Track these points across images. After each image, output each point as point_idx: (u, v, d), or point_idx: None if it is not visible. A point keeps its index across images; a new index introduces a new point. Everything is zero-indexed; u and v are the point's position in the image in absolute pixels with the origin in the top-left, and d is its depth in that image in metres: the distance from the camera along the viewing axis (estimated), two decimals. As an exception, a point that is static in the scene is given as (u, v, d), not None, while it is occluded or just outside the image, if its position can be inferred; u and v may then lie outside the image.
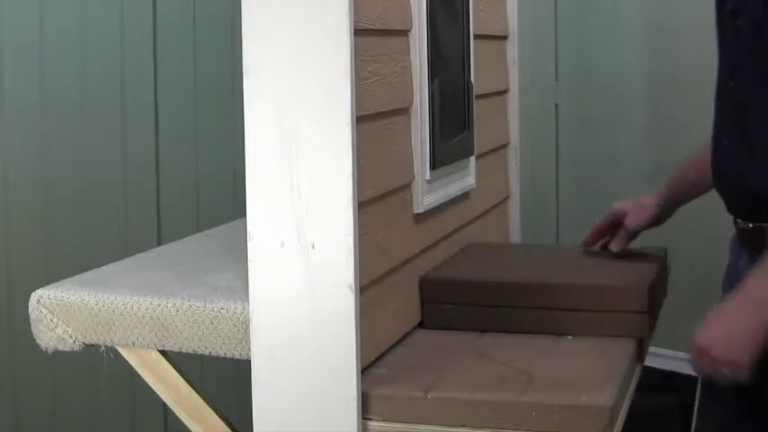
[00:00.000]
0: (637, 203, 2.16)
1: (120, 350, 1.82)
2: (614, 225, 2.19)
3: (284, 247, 1.61)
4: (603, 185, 3.59)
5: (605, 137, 3.60)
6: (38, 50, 2.96)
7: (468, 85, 2.22)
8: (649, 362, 2.32)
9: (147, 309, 1.78)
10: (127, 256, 2.17)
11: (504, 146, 2.66)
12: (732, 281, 1.95)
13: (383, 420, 1.66)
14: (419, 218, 1.99)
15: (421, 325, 2.00)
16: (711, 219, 3.28)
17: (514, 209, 2.71)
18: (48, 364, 2.81)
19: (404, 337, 1.92)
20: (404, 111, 1.93)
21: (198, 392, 1.82)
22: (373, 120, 1.77)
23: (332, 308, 1.61)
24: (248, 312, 1.66)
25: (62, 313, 1.82)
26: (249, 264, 1.64)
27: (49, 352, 1.85)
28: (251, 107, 1.62)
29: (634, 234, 2.17)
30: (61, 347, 1.84)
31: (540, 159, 3.59)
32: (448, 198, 2.13)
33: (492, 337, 1.93)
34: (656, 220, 2.18)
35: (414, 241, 1.98)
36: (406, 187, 1.94)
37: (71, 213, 3.04)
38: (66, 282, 1.89)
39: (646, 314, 1.94)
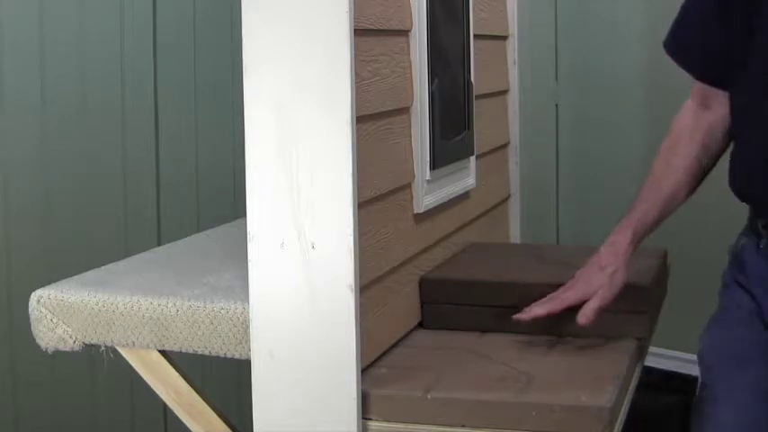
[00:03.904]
0: (610, 280, 1.85)
1: (120, 350, 1.82)
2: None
3: (284, 247, 1.61)
4: (603, 185, 3.59)
5: (605, 137, 3.60)
6: (38, 50, 2.96)
7: (468, 85, 2.22)
8: (649, 362, 2.33)
9: (147, 309, 1.78)
10: (127, 256, 2.17)
11: (504, 146, 2.66)
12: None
13: (383, 420, 1.66)
14: (419, 218, 1.99)
15: (421, 325, 2.00)
16: (711, 218, 3.29)
17: (514, 209, 2.71)
18: (48, 364, 2.80)
19: (404, 337, 1.92)
20: (404, 111, 1.93)
21: (198, 392, 1.82)
22: (373, 120, 1.77)
23: (332, 308, 1.61)
24: (248, 312, 1.66)
25: (62, 313, 1.82)
26: (249, 264, 1.64)
27: (49, 352, 1.85)
28: (251, 107, 1.62)
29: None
30: (61, 347, 1.84)
31: (540, 159, 3.59)
32: (448, 198, 2.13)
33: (492, 337, 1.93)
34: None
35: (414, 241, 1.98)
36: (406, 187, 1.94)
37: (71, 213, 3.04)
38: (66, 282, 1.89)
39: (646, 314, 1.94)
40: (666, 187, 1.90)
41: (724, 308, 1.87)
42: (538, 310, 1.86)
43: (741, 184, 1.81)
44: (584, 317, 1.82)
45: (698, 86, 1.91)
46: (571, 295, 1.85)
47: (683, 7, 1.92)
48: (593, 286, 1.84)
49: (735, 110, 1.83)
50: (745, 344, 1.80)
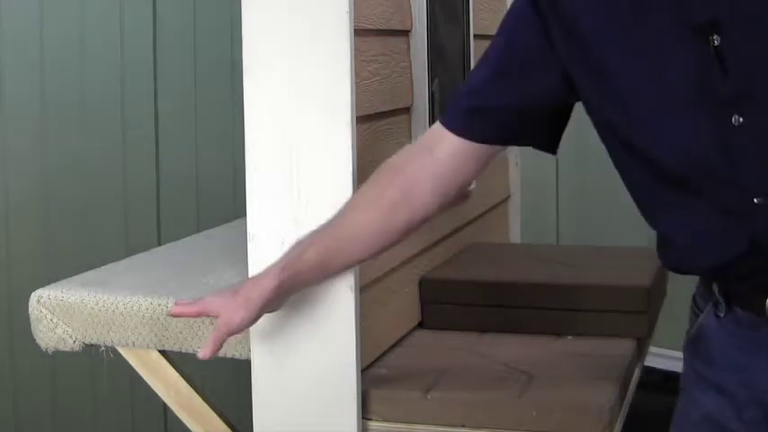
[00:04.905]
0: (235, 310, 1.51)
1: (120, 350, 1.82)
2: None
3: (284, 247, 1.61)
4: (603, 185, 3.58)
5: (605, 137, 3.60)
6: (38, 50, 2.96)
7: (468, 85, 2.22)
8: (649, 362, 2.33)
9: (147, 309, 1.78)
10: (127, 256, 2.17)
11: (504, 146, 2.66)
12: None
13: (383, 420, 1.66)
14: (419, 218, 1.99)
15: (421, 325, 2.00)
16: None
17: (514, 209, 2.70)
18: (48, 364, 2.81)
19: (404, 337, 1.92)
20: (404, 111, 1.93)
21: (198, 392, 1.82)
22: (373, 120, 1.77)
23: (332, 308, 1.61)
24: (248, 312, 1.66)
25: (62, 313, 1.82)
26: (249, 264, 1.64)
27: (49, 352, 1.85)
28: (251, 107, 1.62)
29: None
30: (61, 347, 1.84)
31: (539, 159, 3.58)
32: (448, 198, 2.13)
33: (492, 337, 1.93)
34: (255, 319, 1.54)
35: (414, 241, 1.97)
36: (406, 187, 1.94)
37: (71, 213, 3.04)
38: (66, 282, 1.89)
39: (646, 314, 1.94)
40: (339, 242, 1.54)
41: (684, 414, 1.55)
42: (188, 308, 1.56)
43: (679, 263, 1.40)
44: (201, 350, 1.52)
45: (439, 135, 1.52)
46: (191, 309, 1.56)
47: (484, 65, 1.48)
48: (214, 306, 1.53)
49: (648, 197, 1.47)
50: None
